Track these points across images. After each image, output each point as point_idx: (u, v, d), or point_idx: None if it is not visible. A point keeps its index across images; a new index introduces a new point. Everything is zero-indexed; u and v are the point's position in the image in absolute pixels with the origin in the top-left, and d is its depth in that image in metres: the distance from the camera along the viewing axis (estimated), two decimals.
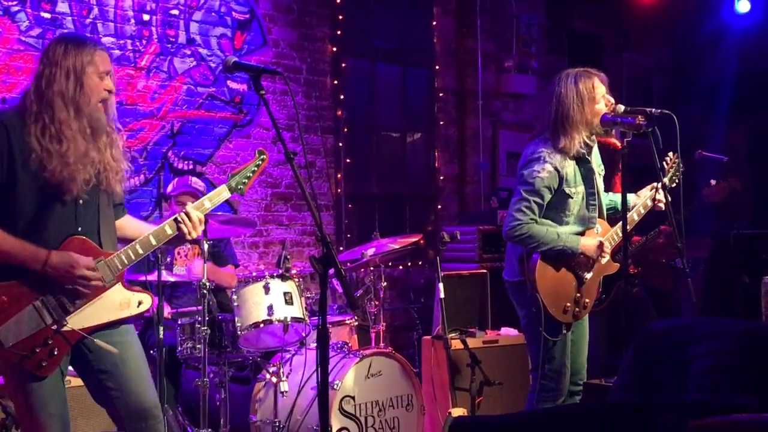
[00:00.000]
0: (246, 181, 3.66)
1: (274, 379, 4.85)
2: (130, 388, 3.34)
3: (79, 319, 3.28)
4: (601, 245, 4.43)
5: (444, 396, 5.36)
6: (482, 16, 8.73)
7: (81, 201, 3.32)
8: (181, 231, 3.45)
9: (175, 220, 3.46)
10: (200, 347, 4.68)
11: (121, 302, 3.38)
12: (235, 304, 4.83)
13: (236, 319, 4.76)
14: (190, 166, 6.73)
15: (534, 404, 4.47)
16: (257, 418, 4.98)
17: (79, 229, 3.30)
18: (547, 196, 4.35)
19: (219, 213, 4.73)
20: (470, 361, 5.20)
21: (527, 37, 9.06)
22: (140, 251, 3.40)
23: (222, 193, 3.60)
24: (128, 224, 3.66)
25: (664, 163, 4.58)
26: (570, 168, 4.38)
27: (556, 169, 4.33)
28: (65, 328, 3.24)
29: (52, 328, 3.22)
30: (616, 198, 4.72)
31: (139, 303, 3.43)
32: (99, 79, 3.34)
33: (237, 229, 5.53)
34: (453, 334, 5.61)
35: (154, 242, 3.44)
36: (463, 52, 8.79)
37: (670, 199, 4.49)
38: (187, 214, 3.46)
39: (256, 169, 3.69)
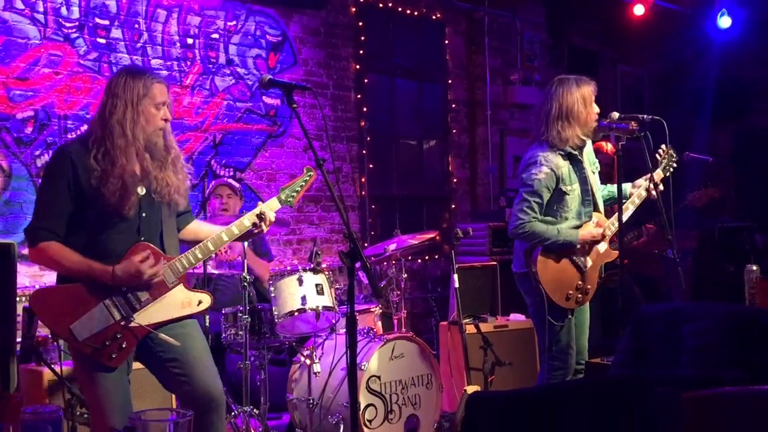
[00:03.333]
0: (294, 194, 3.69)
1: (308, 362, 4.84)
2: (195, 374, 3.31)
3: (145, 316, 3.27)
4: (599, 225, 4.44)
5: (460, 375, 5.36)
6: (489, 35, 8.72)
7: (144, 214, 3.32)
8: (258, 227, 3.49)
9: (259, 215, 3.48)
10: (242, 334, 4.69)
11: (183, 301, 3.38)
12: (272, 294, 4.83)
13: (273, 308, 4.76)
14: (231, 173, 6.75)
15: (545, 382, 4.46)
16: (293, 396, 4.98)
17: (142, 238, 3.31)
18: (546, 196, 4.34)
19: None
20: (483, 343, 5.16)
21: (530, 53, 9.04)
22: (199, 255, 3.41)
23: (275, 206, 3.60)
24: (198, 227, 3.67)
25: (657, 155, 4.55)
26: (565, 168, 4.37)
27: (552, 170, 4.32)
28: (133, 324, 3.24)
29: (121, 323, 3.22)
30: (614, 189, 4.69)
31: (199, 302, 3.42)
32: (155, 110, 3.35)
33: (273, 228, 5.52)
34: (467, 320, 5.58)
35: (225, 238, 3.45)
36: (473, 68, 8.79)
37: (662, 188, 4.47)
38: (263, 212, 3.50)
39: (304, 184, 3.72)
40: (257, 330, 4.85)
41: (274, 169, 7.09)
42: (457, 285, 5.15)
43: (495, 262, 6.56)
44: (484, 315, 6.03)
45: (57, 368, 4.12)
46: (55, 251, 3.19)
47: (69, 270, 3.20)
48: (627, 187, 4.58)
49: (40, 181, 5.59)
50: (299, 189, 3.70)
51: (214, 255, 4.14)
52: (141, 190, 3.31)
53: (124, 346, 3.22)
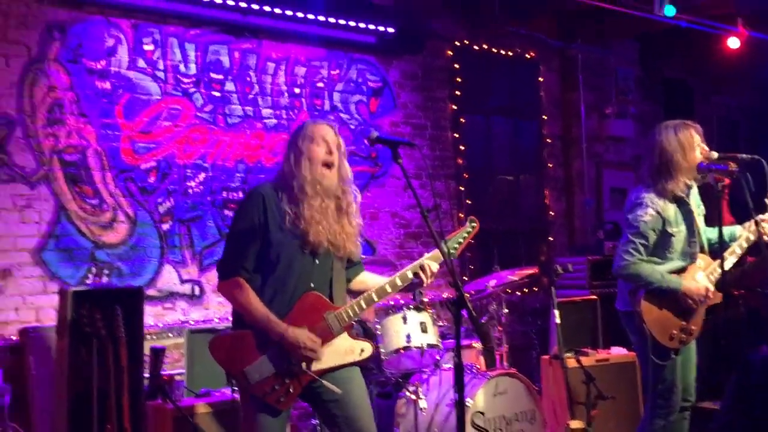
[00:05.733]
0: (458, 245, 3.63)
1: (413, 397, 4.87)
2: (353, 415, 3.38)
3: (312, 363, 3.34)
4: (706, 291, 4.28)
5: (562, 410, 5.27)
6: (583, 71, 8.62)
7: (317, 261, 3.41)
8: (419, 278, 3.49)
9: (421, 267, 3.48)
10: None
11: (346, 349, 3.43)
12: (379, 333, 4.89)
13: (380, 345, 4.82)
14: None
15: (649, 420, 4.36)
16: (400, 430, 5.01)
17: (312, 285, 3.38)
18: (652, 238, 4.25)
19: (363, 256, 4.81)
20: (585, 377, 5.10)
21: (624, 87, 8.91)
22: (363, 306, 3.45)
23: (437, 256, 3.55)
24: (365, 278, 3.70)
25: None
26: (671, 210, 4.27)
27: (658, 212, 4.23)
28: (300, 371, 3.32)
29: (290, 369, 3.31)
30: (724, 231, 4.54)
31: (362, 350, 3.47)
32: (317, 146, 3.44)
33: (378, 268, 5.59)
34: (568, 354, 5.50)
35: (389, 289, 3.48)
36: (567, 103, 8.70)
37: None
38: (427, 264, 3.49)
39: (467, 235, 3.66)
40: (365, 366, 4.90)
41: (376, 208, 7.16)
42: (558, 320, 5.09)
43: (595, 296, 6.45)
44: (585, 349, 5.91)
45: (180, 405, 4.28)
46: (243, 292, 3.33)
47: (249, 313, 3.32)
48: (737, 229, 4.44)
49: (174, 228, 5.88)
50: (462, 240, 3.65)
51: None
52: (321, 237, 3.37)
53: (291, 390, 3.32)
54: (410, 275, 3.51)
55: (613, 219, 7.95)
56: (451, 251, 3.56)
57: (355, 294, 3.57)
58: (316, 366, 3.35)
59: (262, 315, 3.30)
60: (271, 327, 3.29)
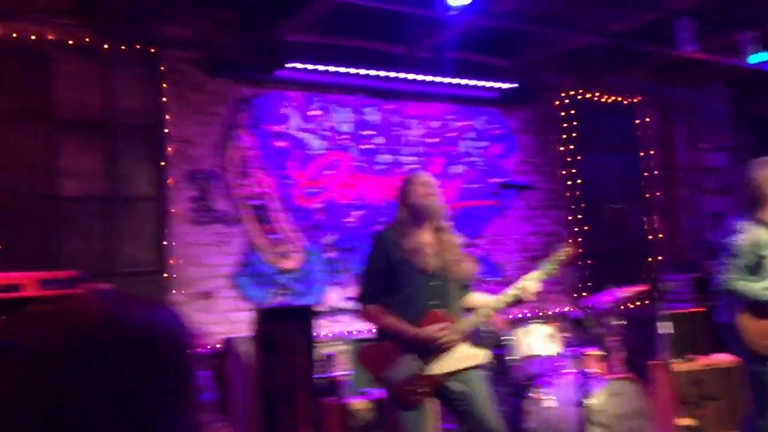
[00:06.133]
0: (555, 266, 3.64)
1: (539, 397, 4.79)
2: (478, 411, 3.39)
3: (439, 367, 3.41)
4: None
5: (672, 409, 5.03)
6: (679, 111, 8.28)
7: (435, 282, 3.47)
8: (521, 295, 3.52)
9: (522, 288, 3.52)
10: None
11: (467, 355, 3.47)
12: (508, 342, 4.85)
13: (509, 353, 4.77)
14: (467, 241, 6.86)
15: (751, 419, 4.10)
16: (528, 425, 4.92)
17: (431, 302, 3.45)
18: (746, 259, 4.03)
19: (492, 279, 4.81)
20: (692, 380, 4.86)
21: (716, 124, 8.47)
22: (485, 314, 3.52)
23: (540, 277, 3.59)
24: (474, 297, 3.73)
25: None
26: (764, 236, 4.04)
27: (751, 237, 4.02)
28: (430, 373, 3.39)
29: (420, 372, 3.39)
30: None
31: (478, 356, 3.50)
32: (423, 192, 3.54)
33: (503, 288, 5.56)
34: (676, 360, 5.27)
35: (503, 302, 3.51)
36: (666, 139, 8.35)
37: None
38: (527, 284, 3.52)
39: (564, 256, 3.66)
40: (497, 370, 4.87)
41: (500, 236, 7.11)
42: (665, 330, 4.89)
43: (700, 309, 6.14)
44: (691, 355, 5.63)
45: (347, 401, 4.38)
46: (377, 313, 3.46)
47: (386, 327, 3.44)
48: None
49: (337, 255, 6.06)
50: (558, 261, 3.66)
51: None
52: (433, 261, 3.47)
53: (423, 390, 3.37)
54: (512, 294, 3.51)
55: (711, 241, 7.54)
56: (552, 271, 3.60)
57: (468, 311, 3.59)
58: (442, 370, 3.39)
59: (398, 326, 3.39)
60: (407, 331, 3.37)
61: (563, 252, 3.65)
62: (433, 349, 3.38)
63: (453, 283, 3.54)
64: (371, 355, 3.48)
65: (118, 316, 0.91)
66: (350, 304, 6.08)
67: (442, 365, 3.41)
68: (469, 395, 3.40)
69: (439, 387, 3.42)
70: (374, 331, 3.68)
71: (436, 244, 3.49)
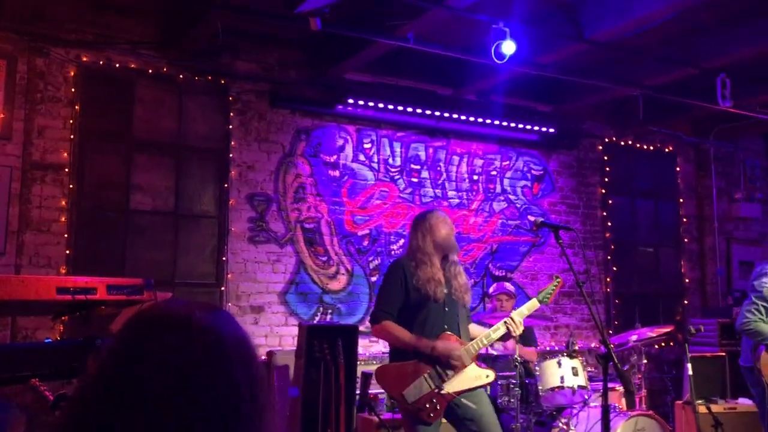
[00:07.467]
0: (549, 296, 3.90)
1: (564, 428, 4.89)
2: (486, 430, 3.58)
3: (451, 386, 3.58)
4: None
5: None
6: (715, 162, 8.35)
7: (446, 308, 3.67)
8: (509, 329, 3.70)
9: (505, 322, 3.71)
10: (514, 401, 4.86)
11: (476, 375, 3.64)
12: (537, 373, 4.96)
13: (538, 383, 4.89)
14: (503, 274, 7.01)
15: None
16: None
17: (445, 326, 3.64)
18: None
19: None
20: (714, 422, 4.91)
21: (752, 175, 8.52)
22: (484, 342, 3.70)
23: (534, 306, 3.82)
24: (473, 327, 3.93)
25: None
26: None
27: None
28: (443, 392, 3.55)
29: (435, 391, 3.55)
30: None
31: (487, 376, 3.68)
32: (445, 229, 3.75)
33: (537, 320, 5.71)
34: (699, 401, 5.32)
35: (493, 336, 3.71)
36: (701, 188, 8.42)
37: None
38: (512, 319, 3.71)
39: (554, 288, 3.93)
40: (525, 399, 5.00)
41: (536, 271, 7.26)
42: (690, 372, 4.96)
43: (724, 354, 6.18)
44: (714, 398, 5.68)
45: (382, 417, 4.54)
46: (392, 327, 3.61)
47: (401, 341, 3.59)
48: None
49: (379, 279, 6.26)
50: (551, 292, 3.92)
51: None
52: (445, 290, 3.66)
53: (437, 407, 3.54)
54: (502, 328, 3.70)
55: (741, 288, 7.57)
56: (545, 300, 3.85)
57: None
58: (454, 388, 3.55)
59: (413, 339, 3.55)
60: (424, 344, 3.53)
61: (554, 285, 3.89)
62: (447, 362, 3.53)
63: (461, 309, 3.73)
64: (390, 374, 3.63)
65: (218, 330, 0.97)
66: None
67: (455, 384, 3.58)
68: (478, 416, 3.56)
69: (450, 407, 3.57)
70: (387, 348, 3.83)
71: (446, 275, 3.69)
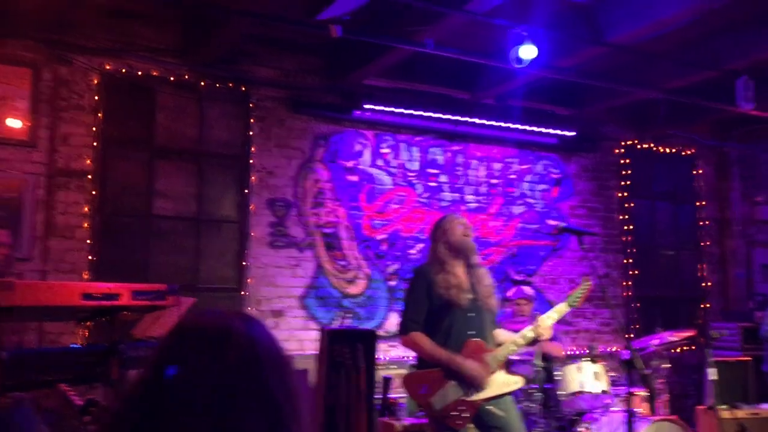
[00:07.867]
0: (578, 299, 3.82)
1: None
2: None
3: (479, 393, 3.54)
4: None
5: None
6: (736, 165, 8.24)
7: (471, 314, 3.62)
8: (538, 335, 3.66)
9: (534, 329, 3.66)
10: (534, 405, 4.83)
11: (503, 381, 3.62)
12: (558, 378, 4.93)
13: (559, 388, 4.86)
14: (523, 278, 6.97)
15: None
16: None
17: (470, 333, 3.59)
18: None
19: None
20: (737, 427, 4.85)
21: None
22: (513, 348, 3.66)
23: (564, 309, 3.76)
24: (500, 333, 3.88)
25: None
26: None
27: None
28: (471, 399, 3.52)
29: (463, 398, 3.52)
30: None
31: (515, 382, 3.65)
32: (461, 231, 3.72)
33: (558, 325, 5.63)
34: (722, 406, 5.25)
35: (521, 342, 3.66)
36: (722, 191, 8.31)
37: None
38: (541, 324, 3.66)
39: (584, 291, 3.84)
40: (546, 403, 4.96)
41: (555, 275, 7.20)
42: (712, 377, 4.90)
43: (749, 358, 6.09)
44: (737, 403, 5.59)
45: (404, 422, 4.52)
46: (420, 340, 3.57)
47: (431, 355, 3.55)
48: None
49: (398, 284, 6.25)
50: (580, 295, 3.83)
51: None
52: (469, 296, 3.62)
53: (465, 414, 3.51)
54: (530, 334, 3.65)
55: (762, 292, 7.48)
56: (574, 303, 3.77)
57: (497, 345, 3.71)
58: (481, 395, 3.51)
59: (442, 353, 3.51)
60: (452, 360, 3.49)
61: (583, 287, 3.81)
62: (475, 384, 3.49)
63: (487, 314, 3.68)
64: (417, 381, 3.60)
65: (255, 340, 1.00)
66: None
67: (483, 391, 3.54)
68: (506, 424, 3.52)
69: (478, 414, 3.54)
70: (414, 357, 3.81)
71: (470, 279, 3.64)
